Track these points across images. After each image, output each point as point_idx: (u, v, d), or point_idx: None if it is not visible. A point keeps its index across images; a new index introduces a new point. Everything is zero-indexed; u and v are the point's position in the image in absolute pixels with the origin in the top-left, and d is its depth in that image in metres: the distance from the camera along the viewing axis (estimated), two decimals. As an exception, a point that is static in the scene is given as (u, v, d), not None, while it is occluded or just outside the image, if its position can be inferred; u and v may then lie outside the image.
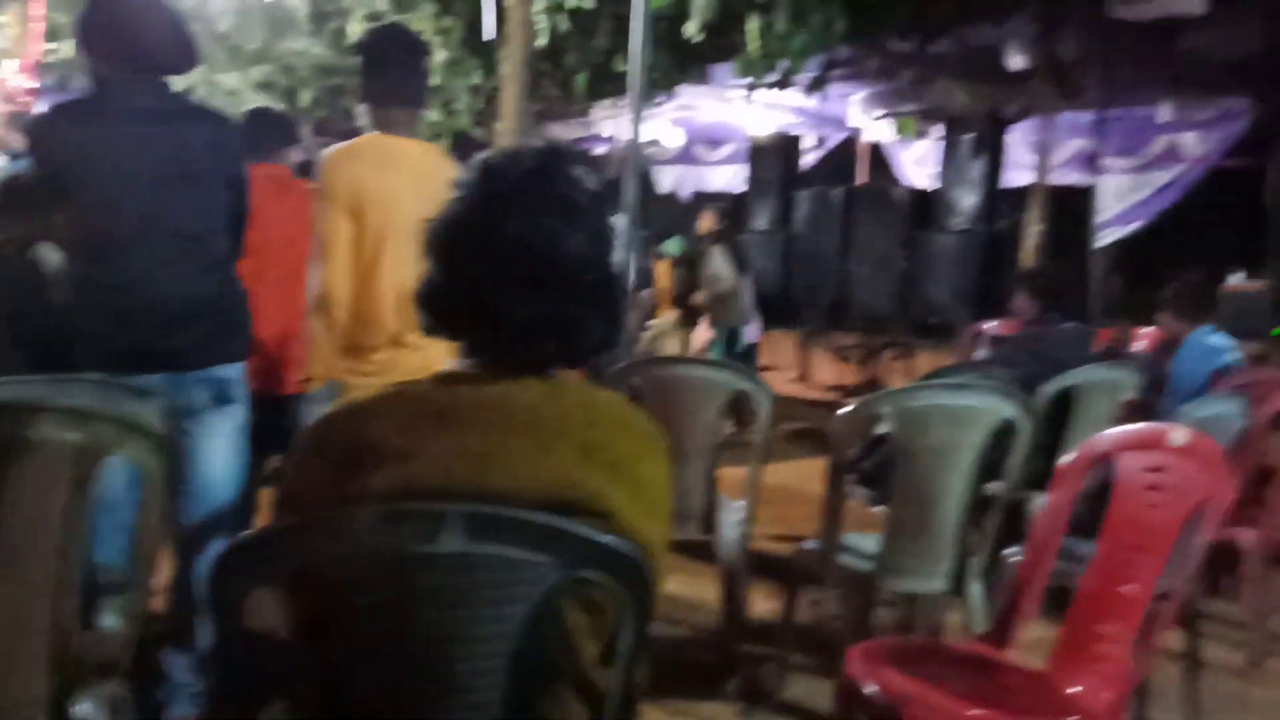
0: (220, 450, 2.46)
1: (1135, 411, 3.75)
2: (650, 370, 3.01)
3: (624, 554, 1.16)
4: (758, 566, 3.53)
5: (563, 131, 10.49)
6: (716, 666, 3.02)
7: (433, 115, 7.72)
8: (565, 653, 1.19)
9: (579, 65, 6.49)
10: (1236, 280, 7.54)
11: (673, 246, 7.30)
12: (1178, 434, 1.96)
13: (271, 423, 2.85)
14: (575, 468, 1.18)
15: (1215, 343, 4.22)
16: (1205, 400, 3.15)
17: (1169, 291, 4.32)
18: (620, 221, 4.58)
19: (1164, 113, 7.92)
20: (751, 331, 7.71)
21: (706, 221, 7.84)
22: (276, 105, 8.00)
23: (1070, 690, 1.98)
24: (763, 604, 3.52)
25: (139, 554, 1.77)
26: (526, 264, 1.20)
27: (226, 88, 7.98)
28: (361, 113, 2.72)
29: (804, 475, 2.91)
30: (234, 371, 2.49)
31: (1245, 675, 3.32)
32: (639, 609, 1.20)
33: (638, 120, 3.74)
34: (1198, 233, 10.22)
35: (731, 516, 3.09)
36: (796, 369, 9.87)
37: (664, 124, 10.15)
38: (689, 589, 3.80)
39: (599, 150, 11.24)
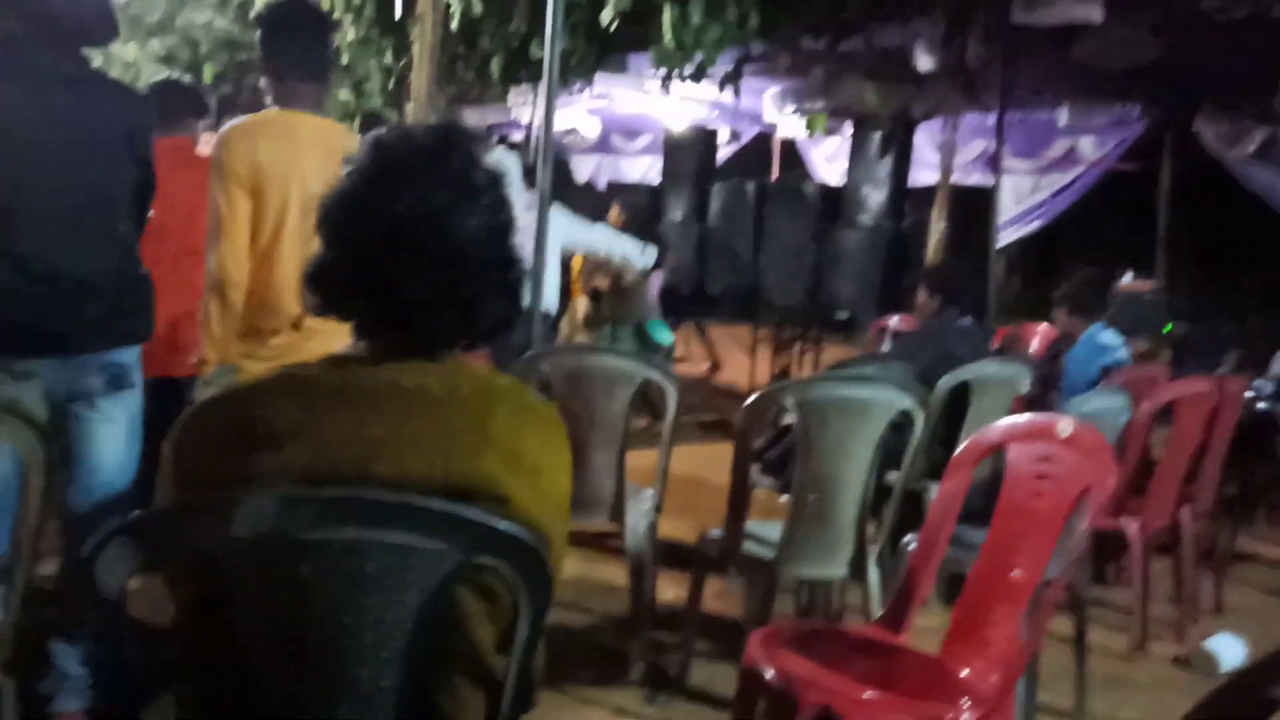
0: (113, 436, 2.37)
1: (1028, 405, 3.89)
2: (559, 359, 3.00)
3: (521, 540, 1.15)
4: (665, 555, 3.57)
5: (478, 116, 10.35)
6: (622, 653, 3.04)
7: (343, 95, 7.54)
8: (461, 640, 1.18)
9: (494, 49, 6.41)
10: (1128, 280, 7.89)
11: None
12: (1065, 425, 2.04)
13: (165, 407, 2.76)
14: (471, 453, 1.17)
15: (1106, 340, 4.41)
16: (1093, 394, 3.28)
17: (1063, 289, 4.51)
18: (559, 212, 4.57)
19: (1063, 117, 8.22)
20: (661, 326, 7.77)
21: (614, 214, 7.90)
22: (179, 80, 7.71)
23: (961, 673, 2.04)
24: (670, 591, 3.55)
25: (19, 542, 1.69)
26: (419, 242, 1.19)
27: (124, 59, 7.65)
28: (264, 87, 2.64)
29: (713, 465, 2.94)
30: (130, 355, 2.39)
31: (1128, 658, 3.48)
32: (536, 596, 1.19)
33: (551, 107, 3.71)
34: (1092, 233, 10.68)
35: (640, 505, 3.10)
36: (709, 360, 9.97)
37: (581, 113, 10.12)
38: (597, 576, 3.82)
39: (516, 136, 11.14)
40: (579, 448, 2.97)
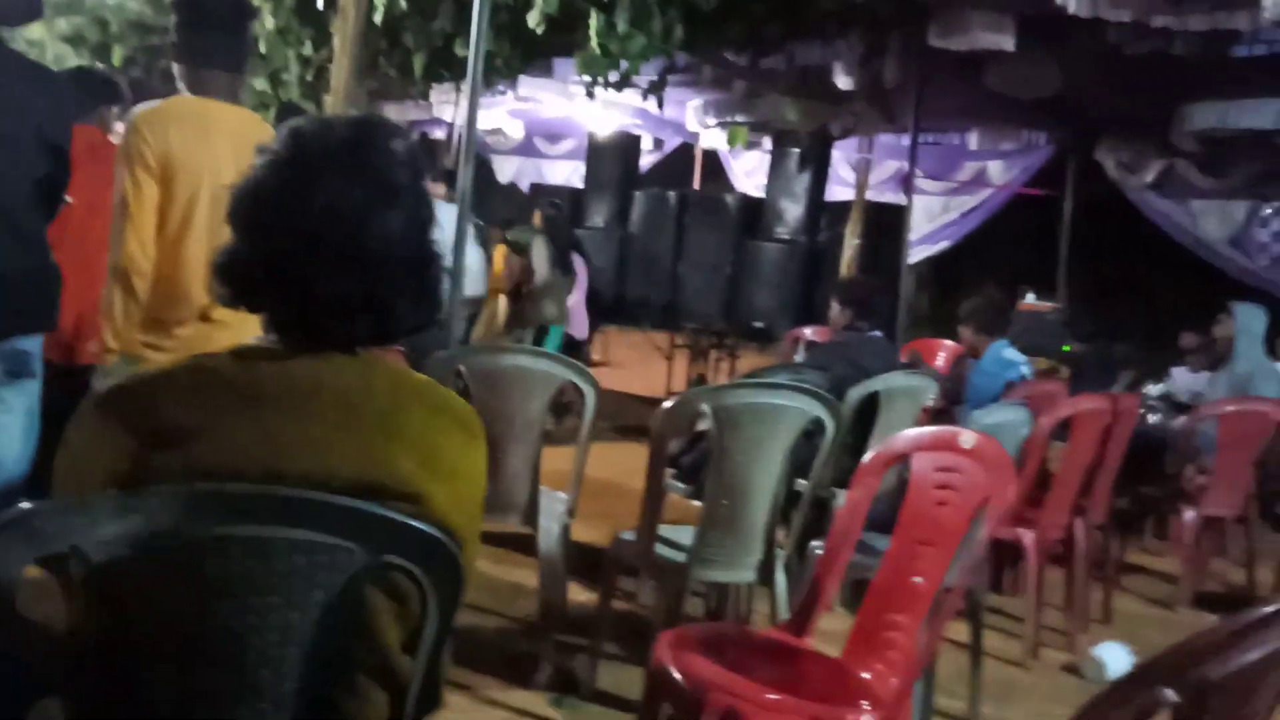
0: (10, 425, 2.28)
1: (934, 417, 4.01)
2: (475, 358, 2.98)
3: (434, 541, 1.14)
4: (578, 558, 3.57)
5: (399, 113, 10.20)
6: (531, 656, 3.03)
7: (259, 85, 7.35)
8: (367, 640, 1.17)
9: (417, 46, 6.33)
10: (1030, 300, 8.19)
11: (523, 236, 7.29)
12: (967, 437, 2.11)
13: (66, 396, 2.65)
14: (384, 450, 1.15)
15: (1009, 356, 4.59)
16: (995, 408, 3.40)
17: (969, 307, 4.68)
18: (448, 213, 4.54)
19: (973, 141, 8.51)
20: (577, 329, 7.77)
21: (537, 217, 7.90)
22: (85, 61, 7.42)
23: (862, 676, 2.10)
24: (582, 595, 3.55)
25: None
26: (335, 240, 1.15)
27: (29, 38, 7.33)
28: (177, 73, 2.57)
29: (630, 470, 2.96)
30: (32, 344, 2.31)
31: (1021, 664, 3.61)
32: (447, 597, 1.18)
33: (474, 107, 3.69)
34: (998, 255, 11.06)
35: (554, 508, 3.10)
36: (628, 366, 10.00)
37: (504, 114, 10.07)
38: (508, 579, 3.80)
39: (438, 134, 11.02)
40: (494, 449, 2.94)
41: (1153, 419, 5.27)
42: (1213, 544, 4.94)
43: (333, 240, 1.15)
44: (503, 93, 8.83)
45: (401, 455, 1.15)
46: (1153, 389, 5.67)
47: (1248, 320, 5.18)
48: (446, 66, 6.69)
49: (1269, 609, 1.03)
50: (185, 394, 1.14)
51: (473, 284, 4.58)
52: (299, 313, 1.18)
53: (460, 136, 3.80)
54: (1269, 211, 9.04)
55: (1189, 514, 4.33)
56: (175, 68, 2.56)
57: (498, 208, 8.33)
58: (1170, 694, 1.02)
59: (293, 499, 1.09)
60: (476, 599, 3.59)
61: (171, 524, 1.06)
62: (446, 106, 9.13)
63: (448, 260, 1.37)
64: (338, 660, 1.15)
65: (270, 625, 1.12)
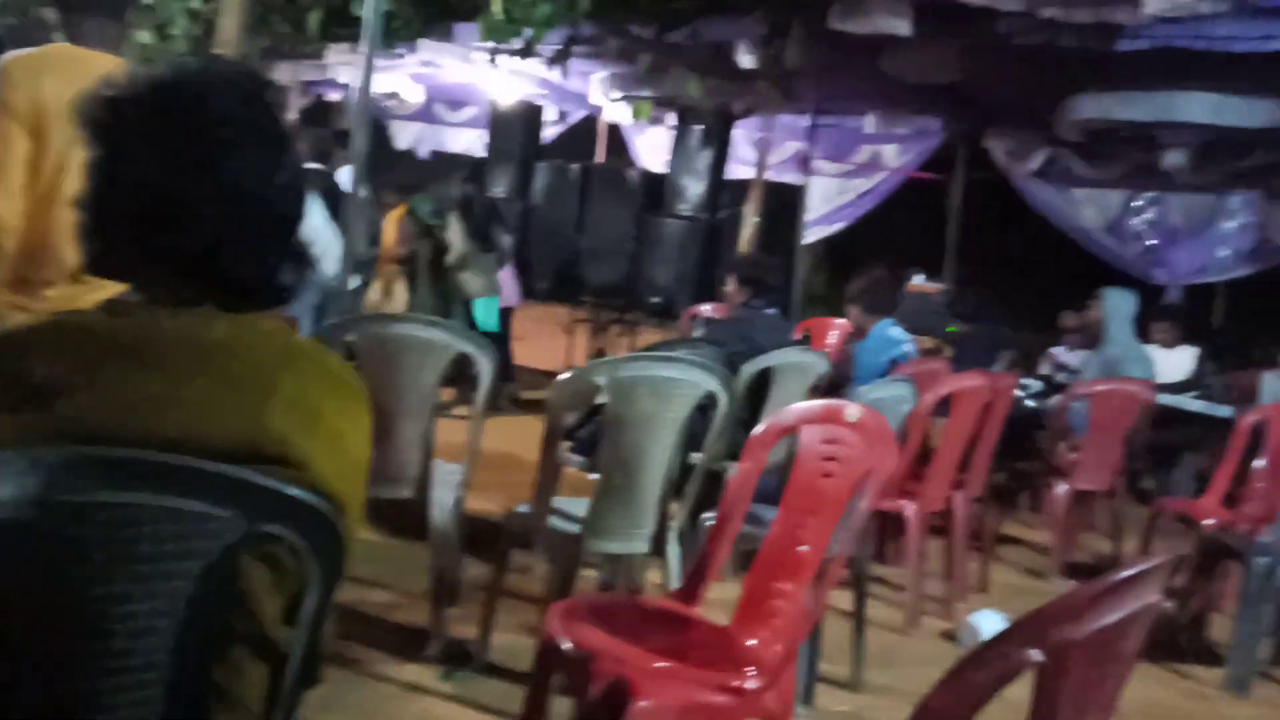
0: None
1: (824, 392, 4.11)
2: (366, 327, 2.92)
3: (313, 508, 1.11)
4: (473, 531, 3.54)
5: (292, 72, 9.86)
6: (422, 630, 3.00)
7: (143, 37, 7.00)
8: (243, 611, 1.13)
9: (312, 3, 6.12)
10: (918, 281, 8.45)
11: (423, 205, 7.14)
12: (852, 410, 2.17)
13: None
14: (263, 413, 1.11)
15: (895, 335, 4.73)
16: (880, 383, 3.51)
17: (857, 287, 4.81)
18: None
19: (870, 125, 8.69)
20: (506, 299, 7.71)
21: (454, 189, 7.77)
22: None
23: (748, 643, 2.15)
24: (476, 568, 3.53)
25: None
26: (174, 192, 1.11)
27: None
28: (52, 21, 2.42)
29: (529, 443, 2.96)
30: None
31: (903, 631, 3.75)
32: (328, 567, 1.15)
33: (370, 68, 3.58)
34: (890, 237, 11.37)
35: (447, 480, 3.07)
36: (528, 339, 9.92)
37: (404, 78, 9.82)
38: (399, 552, 3.75)
39: (333, 96, 10.68)
40: (386, 419, 2.91)
41: (1029, 401, 5.52)
42: (1083, 517, 5.21)
43: (197, 187, 1.10)
44: (402, 56, 8.61)
45: (279, 417, 1.11)
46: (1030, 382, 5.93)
47: (1117, 304, 5.45)
48: (343, 25, 6.48)
49: (1123, 574, 1.10)
50: (52, 350, 1.08)
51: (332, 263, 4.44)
52: (165, 268, 1.13)
53: (355, 99, 3.68)
54: (1141, 202, 9.53)
55: (1061, 488, 4.55)
56: (51, 14, 2.42)
57: (395, 174, 8.15)
58: (1035, 654, 1.08)
59: (163, 465, 1.04)
60: (367, 572, 3.54)
61: (34, 490, 1.01)
62: (343, 68, 8.86)
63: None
64: (212, 633, 1.11)
65: (140, 597, 1.07)
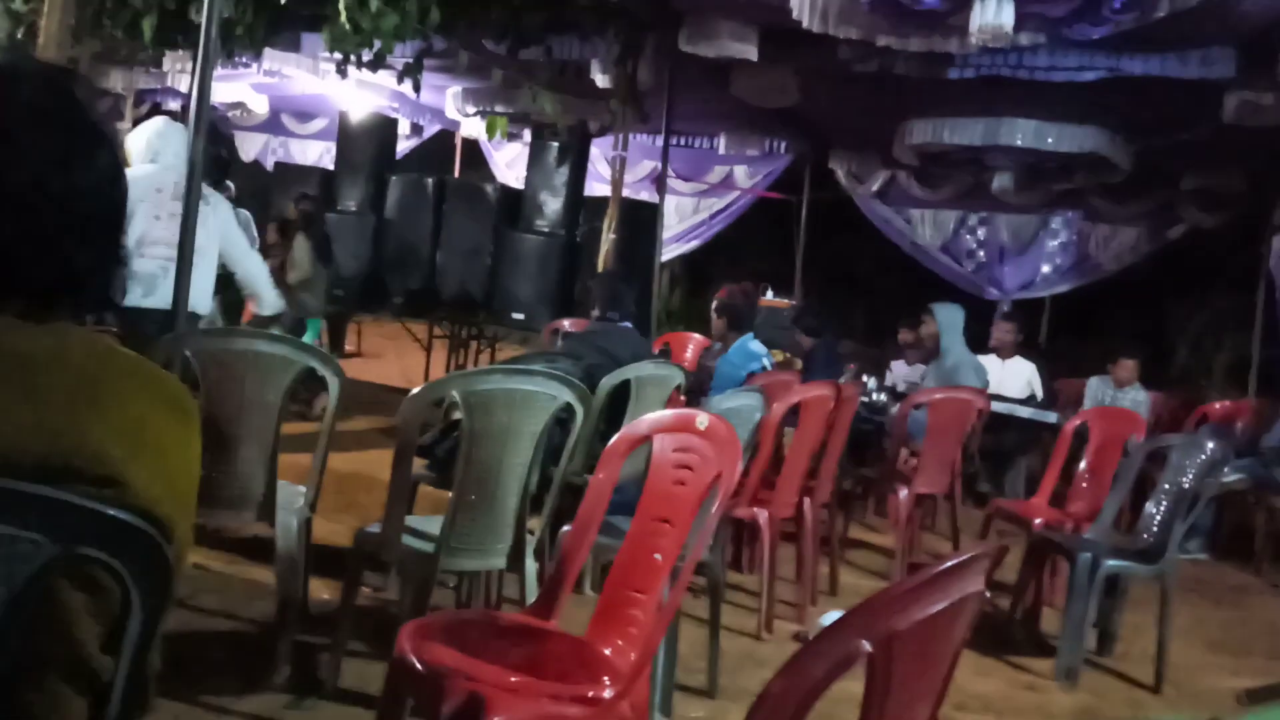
0: None
1: (684, 404, 4.18)
2: (205, 341, 2.79)
3: (135, 530, 1.05)
4: (323, 554, 3.43)
5: (126, 80, 9.38)
6: (268, 658, 2.87)
7: (-44, 36, 6.49)
8: (58, 639, 1.06)
9: (146, 7, 5.82)
10: (770, 296, 8.72)
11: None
12: (702, 418, 2.22)
13: None
14: (76, 426, 1.05)
15: (753, 349, 4.89)
16: (732, 393, 3.60)
17: (723, 302, 4.97)
18: (228, 211, 4.19)
19: (722, 145, 8.94)
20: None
21: (293, 211, 7.57)
22: None
23: (604, 652, 2.15)
24: (327, 592, 3.42)
25: None
26: (14, 189, 1.05)
27: None
28: None
29: (384, 463, 2.88)
30: None
31: (757, 636, 3.83)
32: (152, 591, 1.09)
33: (207, 76, 3.43)
34: (743, 253, 11.71)
35: (292, 501, 2.96)
36: (384, 356, 9.70)
37: (247, 88, 9.47)
38: (244, 579, 3.59)
39: (172, 105, 10.20)
40: (227, 439, 2.79)
41: (877, 395, 5.78)
42: (924, 519, 5.47)
43: (13, 186, 1.04)
44: (246, 65, 8.30)
45: (97, 432, 1.05)
46: (871, 381, 6.21)
47: (949, 318, 5.78)
48: (180, 31, 6.18)
49: (944, 566, 1.16)
50: None
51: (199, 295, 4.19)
52: None
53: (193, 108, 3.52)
54: (974, 221, 10.14)
55: (903, 493, 4.77)
56: None
57: (239, 189, 7.85)
58: (865, 645, 1.12)
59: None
60: (211, 600, 3.37)
61: None
62: (183, 76, 8.48)
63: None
64: (25, 660, 1.04)
65: (-62, 628, 1.00)
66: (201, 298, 3.99)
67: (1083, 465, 4.76)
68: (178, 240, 3.30)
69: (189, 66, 7.72)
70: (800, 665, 1.10)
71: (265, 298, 4.35)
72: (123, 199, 1.17)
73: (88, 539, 1.03)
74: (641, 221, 7.61)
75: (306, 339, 7.93)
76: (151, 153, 4.00)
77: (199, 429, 1.21)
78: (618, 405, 3.76)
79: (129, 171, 3.97)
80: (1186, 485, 3.82)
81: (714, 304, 5.34)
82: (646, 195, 9.21)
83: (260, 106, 10.07)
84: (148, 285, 3.77)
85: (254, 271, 4.32)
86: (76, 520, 1.02)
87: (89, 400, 1.06)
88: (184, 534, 1.17)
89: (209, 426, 2.74)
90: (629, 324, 4.17)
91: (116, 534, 1.04)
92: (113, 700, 1.12)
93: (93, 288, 1.13)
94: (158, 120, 4.25)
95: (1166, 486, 3.93)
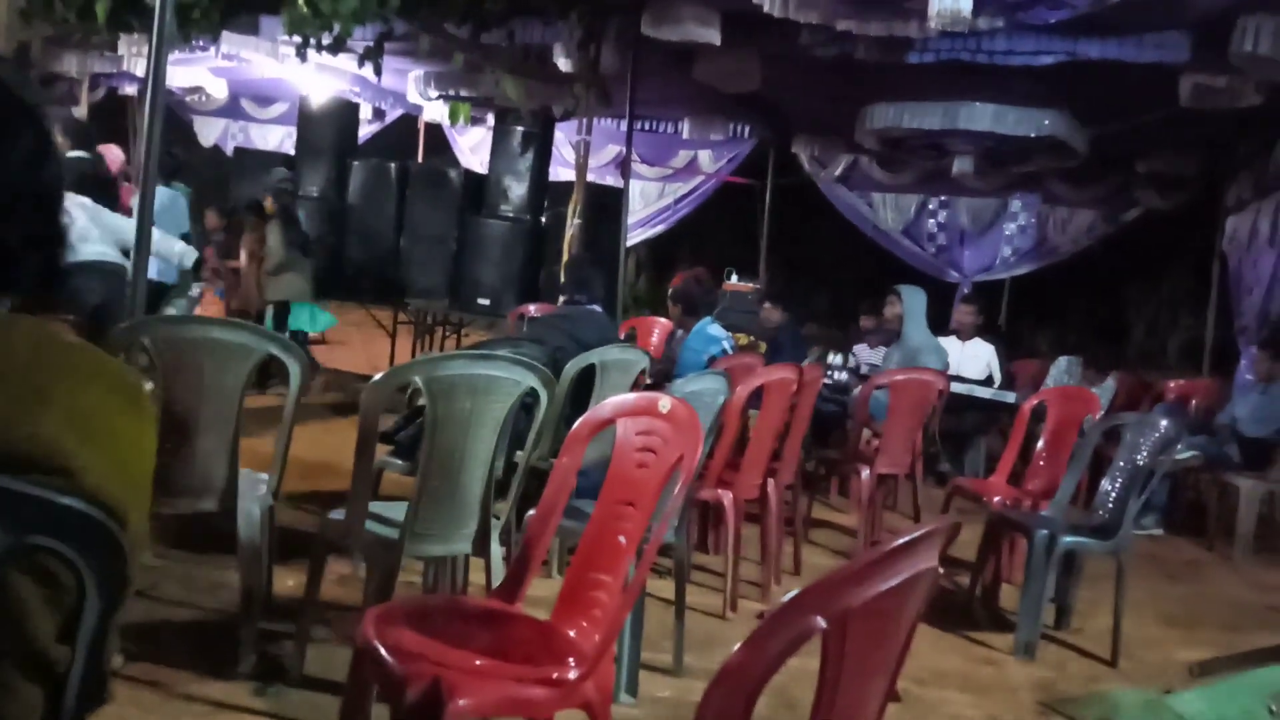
0: None
1: (648, 388, 4.21)
2: (163, 329, 2.76)
3: (85, 518, 1.04)
4: (288, 542, 3.42)
5: (80, 64, 9.19)
6: (233, 646, 2.86)
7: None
8: (11, 629, 1.05)
9: (99, -11, 5.71)
10: (734, 280, 8.77)
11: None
12: (664, 402, 2.23)
13: None
14: (27, 416, 1.04)
15: (713, 332, 4.92)
16: (694, 376, 3.62)
17: (677, 290, 4.99)
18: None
19: (686, 130, 8.94)
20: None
21: (269, 201, 7.52)
22: None
23: (569, 634, 2.17)
24: (292, 579, 3.41)
25: None
26: None
27: None
28: None
29: (348, 450, 2.87)
30: None
31: (722, 615, 3.87)
32: (107, 581, 1.09)
33: (161, 59, 3.38)
34: (708, 238, 11.75)
35: (254, 489, 2.94)
36: (350, 343, 9.62)
37: (205, 72, 9.32)
38: (207, 568, 3.57)
39: (129, 90, 10.02)
40: (186, 427, 2.76)
41: (839, 375, 5.84)
42: (886, 499, 5.55)
43: None
44: (204, 49, 8.17)
45: (47, 421, 1.04)
46: (835, 359, 6.28)
47: (912, 301, 5.84)
48: (135, 14, 6.07)
49: (896, 543, 1.19)
50: None
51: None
52: None
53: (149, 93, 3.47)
54: (935, 205, 10.24)
55: (865, 473, 4.82)
56: None
57: (201, 175, 7.77)
58: (819, 621, 1.15)
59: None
60: (172, 591, 3.35)
61: None
62: (138, 60, 8.32)
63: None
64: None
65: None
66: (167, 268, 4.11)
67: (1040, 444, 4.84)
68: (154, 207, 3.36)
69: (145, 50, 7.59)
70: (756, 642, 1.12)
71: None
72: (54, 179, 1.16)
73: (40, 528, 1.02)
74: (606, 206, 7.61)
75: (304, 323, 7.96)
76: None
77: (152, 417, 1.20)
78: (583, 390, 3.77)
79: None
80: (1141, 463, 3.90)
81: (669, 292, 5.38)
82: (611, 180, 9.20)
83: (219, 91, 9.92)
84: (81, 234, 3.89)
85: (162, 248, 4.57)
86: (28, 510, 1.01)
87: (38, 390, 1.05)
88: (139, 523, 1.16)
89: (168, 414, 2.73)
90: (597, 307, 4.17)
91: (69, 523, 1.04)
92: (69, 691, 1.12)
93: (27, 267, 1.12)
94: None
95: (1121, 464, 4.02)
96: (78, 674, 1.11)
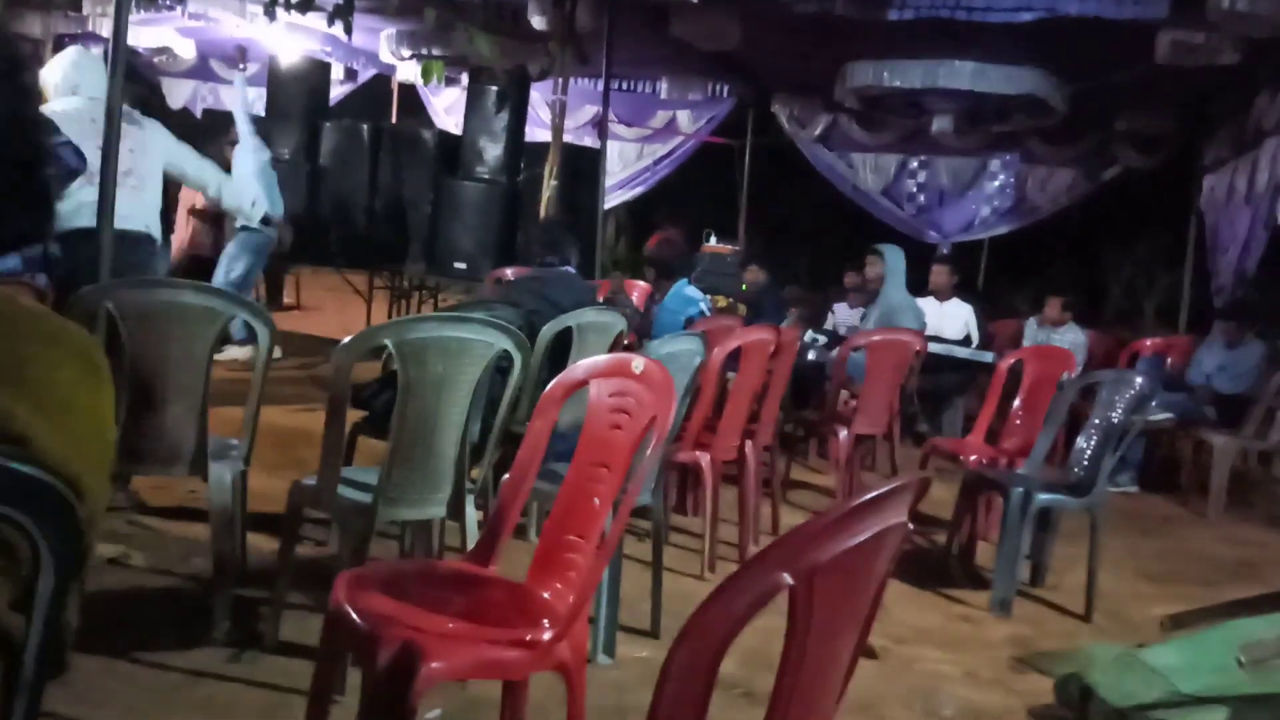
0: None
1: (625, 350, 4.18)
2: (127, 294, 2.70)
3: (39, 485, 1.02)
4: (262, 510, 3.38)
5: (44, 24, 8.99)
6: (206, 613, 2.84)
7: None
8: None
9: (59, -54, 5.55)
10: (713, 242, 8.72)
11: None
12: (638, 363, 2.21)
13: None
14: None
15: (689, 294, 4.90)
16: (670, 338, 3.59)
17: (651, 253, 4.96)
18: (159, 131, 4.13)
19: (664, 90, 8.83)
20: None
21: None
22: None
23: (543, 596, 2.16)
24: (268, 546, 3.38)
25: None
26: None
27: None
28: None
29: (322, 417, 2.84)
30: None
31: (700, 576, 3.88)
32: (62, 549, 1.07)
33: (123, 17, 3.29)
34: (687, 199, 11.67)
35: (225, 454, 2.91)
36: (324, 309, 9.53)
37: (172, 32, 9.12)
38: (179, 535, 3.54)
39: (95, 51, 9.80)
40: (153, 393, 2.72)
41: (813, 354, 5.83)
42: (864, 459, 5.57)
43: None
44: (170, 8, 8.00)
45: (4, 389, 1.01)
46: (811, 336, 6.27)
47: (893, 260, 5.83)
48: (96, -29, 5.92)
49: (864, 498, 1.17)
50: None
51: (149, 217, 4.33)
52: None
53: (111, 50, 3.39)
54: (915, 165, 10.20)
55: (843, 434, 4.83)
56: None
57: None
58: (786, 577, 1.14)
59: None
60: (144, 559, 3.32)
61: None
62: (104, 20, 8.15)
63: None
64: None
65: None
66: (153, 221, 4.11)
67: (1016, 403, 4.86)
68: (129, 166, 3.26)
69: (109, 9, 7.42)
70: (722, 598, 1.11)
71: (242, 207, 4.40)
72: (31, 135, 1.12)
73: (-6, 495, 1.00)
74: (584, 168, 7.52)
75: None
76: (70, 86, 3.92)
77: (109, 382, 1.18)
78: (560, 353, 3.74)
79: (55, 106, 3.86)
80: (1116, 420, 3.92)
81: (645, 254, 5.36)
82: (590, 141, 9.10)
83: (187, 51, 9.73)
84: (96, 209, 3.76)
85: (210, 176, 4.55)
86: (-20, 476, 0.99)
87: None
88: (96, 490, 1.14)
89: (135, 380, 2.69)
90: (571, 268, 4.13)
91: (22, 490, 1.02)
92: (27, 660, 1.10)
93: (5, 227, 1.09)
94: (70, 51, 4.14)
95: (1097, 422, 4.04)
96: (34, 643, 1.09)
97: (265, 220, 6.45)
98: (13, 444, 1.03)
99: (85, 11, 8.39)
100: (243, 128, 6.81)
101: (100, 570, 3.10)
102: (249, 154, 6.72)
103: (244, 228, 6.66)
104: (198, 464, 2.83)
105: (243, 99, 7.13)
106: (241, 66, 7.73)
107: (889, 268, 5.77)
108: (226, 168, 6.39)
